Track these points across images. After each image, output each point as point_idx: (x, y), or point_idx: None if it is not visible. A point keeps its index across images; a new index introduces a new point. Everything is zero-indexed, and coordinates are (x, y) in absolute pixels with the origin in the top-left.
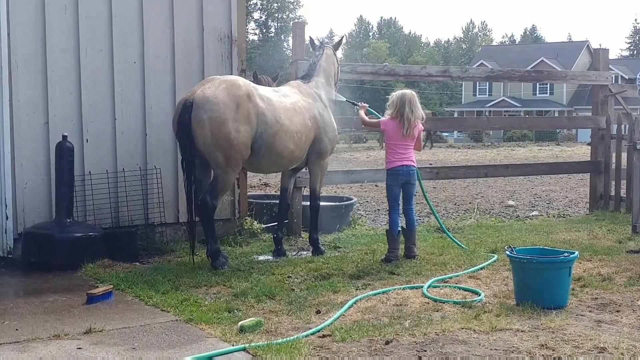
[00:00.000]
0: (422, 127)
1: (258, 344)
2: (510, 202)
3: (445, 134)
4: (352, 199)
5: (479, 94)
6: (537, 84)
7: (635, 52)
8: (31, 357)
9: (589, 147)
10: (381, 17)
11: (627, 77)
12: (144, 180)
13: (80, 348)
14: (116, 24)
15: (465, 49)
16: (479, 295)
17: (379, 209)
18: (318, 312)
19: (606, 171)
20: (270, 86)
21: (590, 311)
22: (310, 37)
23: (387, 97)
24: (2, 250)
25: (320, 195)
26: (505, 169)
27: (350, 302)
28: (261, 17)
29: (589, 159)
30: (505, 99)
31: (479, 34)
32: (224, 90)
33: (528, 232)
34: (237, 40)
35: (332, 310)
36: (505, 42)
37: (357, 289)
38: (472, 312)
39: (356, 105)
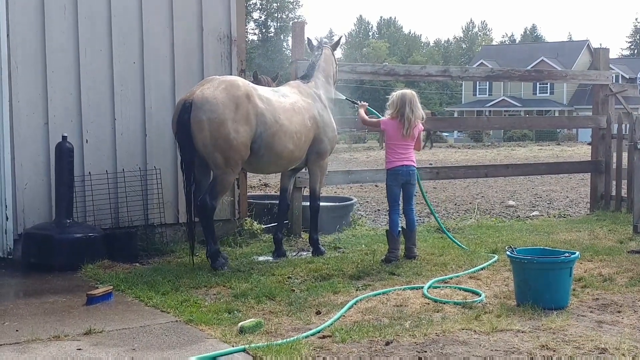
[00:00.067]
0: (422, 127)
1: (258, 345)
2: (511, 202)
3: (445, 133)
4: (352, 199)
5: (479, 94)
6: (538, 83)
7: (635, 51)
8: (31, 358)
9: (590, 147)
10: (381, 17)
11: (627, 77)
12: (144, 181)
13: (80, 349)
14: (115, 24)
15: (465, 49)
16: (480, 296)
17: (379, 209)
18: (318, 312)
19: (607, 171)
20: (270, 86)
21: (591, 312)
22: (308, 39)
23: (387, 97)
24: (2, 251)
25: (320, 195)
26: (505, 169)
27: (350, 303)
28: (261, 17)
29: (590, 159)
30: (506, 98)
31: (479, 33)
32: (223, 91)
33: (528, 232)
34: (237, 40)
35: (332, 311)
36: (505, 41)
37: (357, 290)
38: (472, 313)
39: (356, 103)
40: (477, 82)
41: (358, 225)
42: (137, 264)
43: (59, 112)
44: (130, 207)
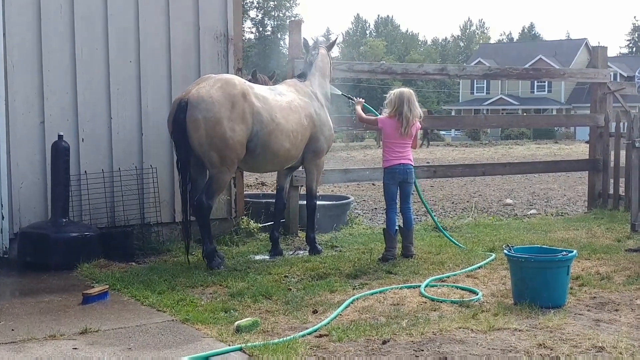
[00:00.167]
0: (420, 126)
1: (254, 344)
2: (508, 201)
3: (443, 132)
4: (349, 198)
5: (476, 92)
6: (535, 81)
7: (634, 49)
8: (27, 358)
9: (587, 145)
10: (378, 15)
11: (625, 75)
12: (140, 180)
13: (76, 348)
14: (112, 23)
15: (463, 47)
16: (477, 295)
17: (376, 208)
18: (315, 311)
19: (605, 169)
20: (267, 85)
21: (588, 310)
22: (304, 38)
23: (384, 95)
24: None
25: (317, 194)
26: (503, 167)
27: (347, 302)
28: (257, 16)
29: (587, 157)
30: (503, 97)
31: (477, 31)
32: (219, 90)
33: (526, 231)
34: (234, 39)
35: (329, 309)
36: (503, 40)
37: (354, 289)
38: (469, 312)
39: (352, 99)
40: (475, 81)
41: (355, 224)
42: (133, 263)
43: (55, 111)
44: (127, 206)
